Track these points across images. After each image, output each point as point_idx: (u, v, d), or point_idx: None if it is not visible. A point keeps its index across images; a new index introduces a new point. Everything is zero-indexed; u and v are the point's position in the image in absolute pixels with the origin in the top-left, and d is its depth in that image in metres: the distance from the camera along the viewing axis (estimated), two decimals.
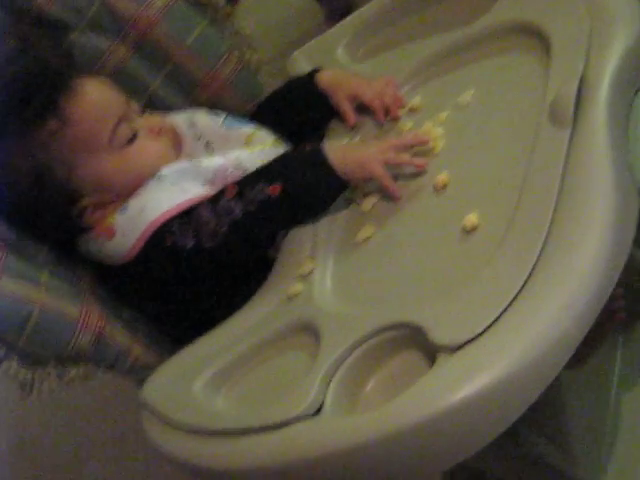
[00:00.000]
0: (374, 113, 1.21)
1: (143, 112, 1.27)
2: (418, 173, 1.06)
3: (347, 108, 1.24)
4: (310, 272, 1.05)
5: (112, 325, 1.15)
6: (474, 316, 0.81)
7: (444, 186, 1.02)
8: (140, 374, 1.14)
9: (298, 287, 1.04)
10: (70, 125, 1.18)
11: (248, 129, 1.28)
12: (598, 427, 1.27)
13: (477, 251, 0.91)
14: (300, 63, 1.36)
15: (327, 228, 1.09)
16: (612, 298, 1.20)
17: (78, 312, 1.12)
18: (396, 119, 1.18)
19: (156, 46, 1.34)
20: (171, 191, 1.18)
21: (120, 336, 1.15)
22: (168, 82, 1.37)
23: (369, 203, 1.08)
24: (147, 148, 1.23)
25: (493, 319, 0.79)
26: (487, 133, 1.04)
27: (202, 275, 1.17)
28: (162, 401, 1.01)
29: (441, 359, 0.80)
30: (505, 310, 0.79)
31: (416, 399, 0.78)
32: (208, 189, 1.18)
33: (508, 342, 0.77)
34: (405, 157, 1.09)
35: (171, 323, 1.25)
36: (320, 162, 1.12)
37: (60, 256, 1.23)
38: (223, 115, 1.31)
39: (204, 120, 1.31)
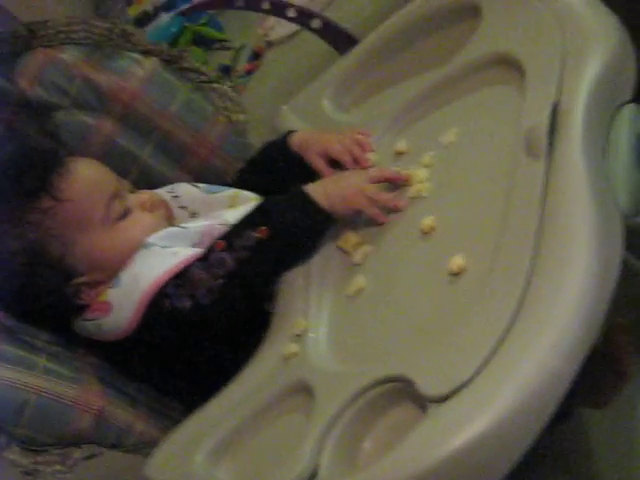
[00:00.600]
0: (344, 166, 1.20)
1: (133, 191, 1.27)
2: (405, 218, 1.04)
3: (320, 165, 1.24)
4: (304, 331, 1.03)
5: (113, 403, 1.14)
6: (460, 363, 0.79)
7: (431, 230, 0.99)
8: (145, 449, 1.12)
9: (293, 347, 1.02)
10: (63, 203, 1.18)
11: (230, 192, 1.28)
12: (627, 467, 1.22)
13: (464, 294, 0.89)
14: (288, 117, 1.35)
15: (318, 282, 1.08)
16: (616, 336, 1.18)
17: (76, 394, 1.12)
18: (364, 168, 1.17)
19: (141, 116, 1.35)
20: (161, 256, 1.17)
21: (122, 413, 1.14)
22: (157, 151, 1.38)
23: (361, 254, 1.06)
24: (140, 221, 1.23)
25: (479, 365, 0.77)
26: (471, 171, 1.02)
27: (204, 335, 1.15)
28: (165, 478, 0.99)
29: (431, 410, 0.77)
30: (492, 354, 0.77)
31: (405, 455, 0.75)
32: (197, 250, 1.16)
33: (497, 387, 0.75)
34: (385, 196, 1.08)
35: (177, 390, 1.24)
36: (302, 199, 1.12)
37: (59, 337, 1.23)
38: (202, 185, 1.32)
39: (186, 190, 1.32)
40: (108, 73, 1.34)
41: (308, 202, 1.11)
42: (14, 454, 1.07)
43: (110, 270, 1.21)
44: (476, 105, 1.09)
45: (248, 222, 1.13)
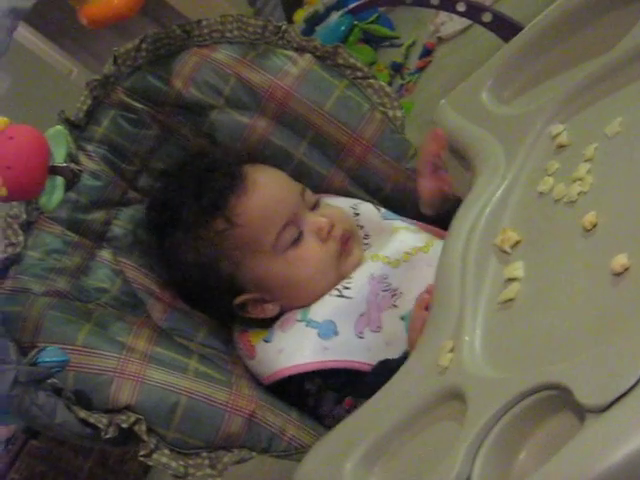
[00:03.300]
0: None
1: (315, 206, 1.27)
2: (566, 215, 0.98)
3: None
4: (458, 336, 0.99)
5: (264, 407, 1.13)
6: (621, 371, 0.72)
7: (593, 227, 0.93)
8: (296, 455, 1.11)
9: (448, 355, 0.98)
10: (236, 227, 1.20)
11: (397, 224, 1.29)
12: None
13: (626, 297, 0.82)
14: (446, 112, 1.30)
15: (474, 283, 1.03)
16: None
17: (228, 397, 1.12)
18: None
19: (295, 115, 1.34)
20: (311, 343, 1.18)
21: (273, 418, 1.14)
22: (312, 149, 1.36)
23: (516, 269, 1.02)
24: (310, 254, 1.24)
25: None
26: (636, 164, 0.95)
27: None
28: None
29: (589, 420, 0.72)
30: None
31: (562, 468, 0.71)
32: (361, 326, 1.20)
33: None
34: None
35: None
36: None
37: (213, 341, 1.24)
38: (384, 210, 1.33)
39: (367, 210, 1.32)
40: (262, 72, 1.33)
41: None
42: (165, 457, 1.07)
43: (277, 292, 1.25)
44: None
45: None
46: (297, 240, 1.23)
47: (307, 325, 1.19)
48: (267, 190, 1.23)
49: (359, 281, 1.22)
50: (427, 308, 1.11)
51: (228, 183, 1.22)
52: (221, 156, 1.29)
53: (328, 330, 1.18)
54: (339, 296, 1.21)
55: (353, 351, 1.18)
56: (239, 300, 1.26)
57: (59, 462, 2.63)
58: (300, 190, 1.27)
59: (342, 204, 1.34)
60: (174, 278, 1.28)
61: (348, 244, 1.26)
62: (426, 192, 1.24)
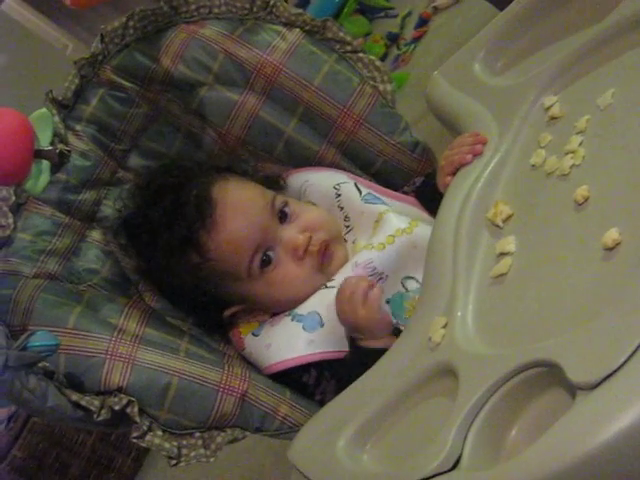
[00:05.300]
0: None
1: (283, 219, 1.25)
2: (558, 188, 0.97)
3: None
4: (450, 311, 0.98)
5: (256, 386, 1.13)
6: (612, 348, 0.72)
7: (585, 200, 0.92)
8: (288, 434, 1.10)
9: (440, 331, 0.97)
10: (209, 261, 1.20)
11: (382, 209, 1.26)
12: None
13: (617, 272, 0.81)
14: (439, 83, 1.29)
15: (466, 259, 1.02)
16: None
17: (220, 377, 1.12)
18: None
19: (285, 90, 1.32)
20: (297, 337, 1.18)
21: (265, 397, 1.13)
22: (302, 125, 1.34)
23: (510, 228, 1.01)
24: (289, 276, 1.23)
25: (633, 350, 0.70)
26: (629, 136, 0.94)
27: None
28: (307, 464, 0.98)
29: (580, 398, 0.72)
30: None
31: (552, 446, 0.70)
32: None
33: None
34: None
35: None
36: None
37: (201, 323, 1.25)
38: (366, 191, 1.30)
39: (348, 191, 1.30)
40: (251, 48, 1.31)
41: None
42: (158, 438, 1.07)
43: (264, 306, 1.26)
44: (633, 64, 1.00)
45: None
46: (269, 263, 1.22)
47: (293, 319, 1.19)
48: (234, 222, 1.20)
49: (343, 270, 1.21)
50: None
51: (198, 215, 1.20)
52: (191, 172, 1.27)
53: (313, 322, 1.18)
54: (324, 288, 1.21)
55: (340, 341, 1.17)
56: (228, 313, 1.27)
57: (61, 439, 2.63)
58: (270, 201, 1.25)
59: (326, 183, 1.33)
60: (162, 292, 1.28)
61: (327, 252, 1.24)
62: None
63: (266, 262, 1.22)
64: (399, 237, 1.20)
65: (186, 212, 1.20)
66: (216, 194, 1.21)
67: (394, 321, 1.17)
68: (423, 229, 1.18)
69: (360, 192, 1.30)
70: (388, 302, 1.19)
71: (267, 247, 1.22)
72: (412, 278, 1.20)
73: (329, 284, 1.20)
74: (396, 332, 1.13)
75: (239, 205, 1.22)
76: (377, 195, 1.30)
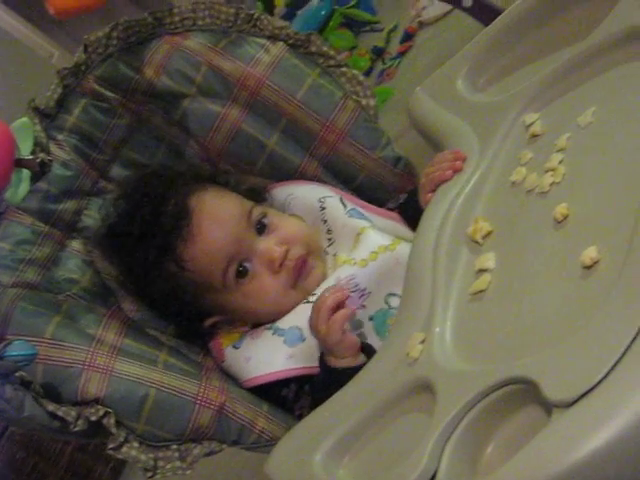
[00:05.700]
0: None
1: (261, 230, 1.25)
2: (537, 206, 0.98)
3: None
4: (429, 327, 0.98)
5: (234, 399, 1.13)
6: (589, 366, 0.72)
7: (564, 218, 0.92)
8: (265, 447, 1.10)
9: (418, 346, 0.97)
10: (186, 271, 1.20)
11: (363, 225, 1.25)
12: None
13: (595, 290, 0.82)
14: (421, 99, 1.30)
15: (445, 275, 1.02)
16: None
17: (197, 389, 1.11)
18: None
19: (268, 103, 1.32)
20: (280, 353, 1.18)
21: (243, 409, 1.13)
22: (285, 138, 1.34)
23: (490, 244, 1.01)
24: (264, 289, 1.22)
25: (608, 368, 0.70)
26: (609, 155, 0.94)
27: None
28: (284, 477, 0.98)
29: (556, 415, 0.72)
30: (622, 357, 0.70)
31: (528, 463, 0.70)
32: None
33: (627, 392, 0.68)
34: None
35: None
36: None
37: (182, 333, 1.24)
38: (350, 206, 1.29)
39: (333, 205, 1.30)
40: (234, 60, 1.31)
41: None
42: (134, 450, 1.07)
43: (243, 317, 1.26)
44: (615, 82, 1.01)
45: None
46: (245, 274, 1.22)
47: (274, 333, 1.19)
48: (209, 233, 1.20)
49: (324, 284, 1.21)
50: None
51: (175, 225, 1.19)
52: (172, 182, 1.27)
53: (294, 337, 1.17)
54: (306, 302, 1.20)
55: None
56: (208, 323, 1.26)
57: (40, 448, 2.62)
58: (248, 211, 1.24)
59: (310, 195, 1.32)
60: (142, 301, 1.28)
61: (305, 268, 1.23)
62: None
63: (242, 273, 1.21)
64: (382, 254, 1.20)
65: (163, 222, 1.20)
66: (193, 204, 1.21)
67: (376, 338, 1.17)
68: (406, 246, 1.18)
69: (345, 206, 1.29)
70: (372, 319, 1.19)
71: (243, 258, 1.21)
72: (395, 295, 1.18)
73: (311, 299, 1.19)
74: (367, 349, 1.13)
75: (215, 215, 1.22)
76: (361, 211, 1.30)
